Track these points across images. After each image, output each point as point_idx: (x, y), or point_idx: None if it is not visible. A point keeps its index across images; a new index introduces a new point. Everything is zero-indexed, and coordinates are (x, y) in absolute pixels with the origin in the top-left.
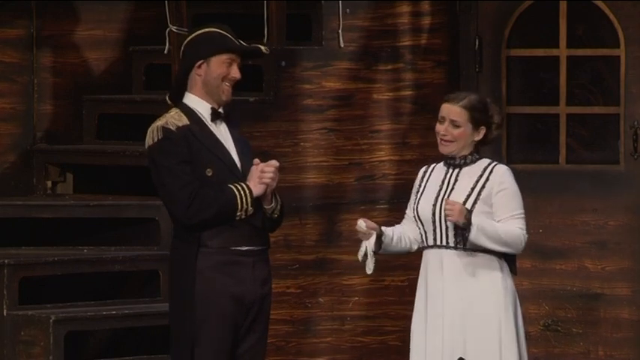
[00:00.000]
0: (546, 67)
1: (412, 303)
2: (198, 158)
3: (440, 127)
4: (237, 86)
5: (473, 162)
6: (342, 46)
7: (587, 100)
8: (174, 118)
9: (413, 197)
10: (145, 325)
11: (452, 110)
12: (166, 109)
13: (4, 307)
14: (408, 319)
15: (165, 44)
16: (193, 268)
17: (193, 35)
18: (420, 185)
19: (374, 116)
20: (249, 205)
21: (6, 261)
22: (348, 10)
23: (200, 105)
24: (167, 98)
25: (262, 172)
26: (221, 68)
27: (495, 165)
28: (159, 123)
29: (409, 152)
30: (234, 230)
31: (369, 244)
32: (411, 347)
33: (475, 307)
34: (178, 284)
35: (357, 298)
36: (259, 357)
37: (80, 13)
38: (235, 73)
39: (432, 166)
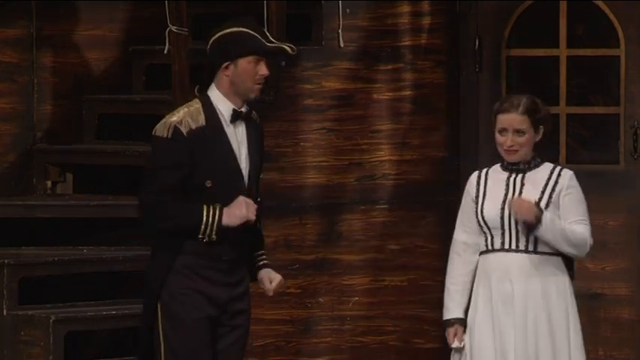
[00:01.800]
0: (546, 67)
1: (412, 303)
2: (201, 166)
3: (503, 139)
4: None
5: (536, 166)
6: (342, 46)
7: (587, 100)
8: (191, 116)
9: (471, 204)
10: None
11: (514, 120)
12: (169, 109)
13: (4, 307)
14: (408, 319)
15: (165, 44)
16: (168, 267)
17: (221, 33)
18: (477, 191)
19: (374, 116)
20: (214, 232)
21: (6, 261)
22: (348, 10)
23: (223, 104)
24: (195, 91)
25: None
26: (249, 68)
27: (562, 169)
28: (174, 119)
29: (409, 152)
30: (214, 244)
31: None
32: (472, 351)
33: (544, 310)
34: (150, 282)
35: (357, 298)
36: (236, 357)
37: (80, 13)
38: (263, 70)
39: (484, 171)
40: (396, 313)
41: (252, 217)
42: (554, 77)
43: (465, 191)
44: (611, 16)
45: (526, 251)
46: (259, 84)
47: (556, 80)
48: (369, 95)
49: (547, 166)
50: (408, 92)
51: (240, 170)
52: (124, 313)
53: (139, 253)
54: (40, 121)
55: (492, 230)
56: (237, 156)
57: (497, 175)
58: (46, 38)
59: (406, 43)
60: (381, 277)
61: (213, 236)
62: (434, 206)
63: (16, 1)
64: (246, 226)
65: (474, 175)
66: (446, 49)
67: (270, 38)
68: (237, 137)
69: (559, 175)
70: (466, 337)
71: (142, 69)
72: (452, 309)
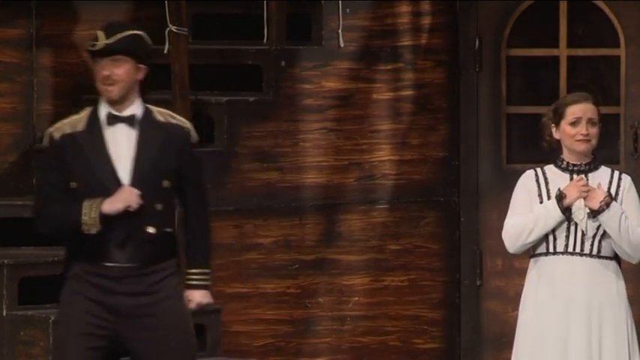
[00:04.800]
0: (546, 67)
1: (412, 303)
2: (69, 169)
3: (578, 129)
4: (236, 86)
5: (596, 168)
6: (342, 46)
7: None
8: (70, 123)
9: (532, 199)
10: None
11: (588, 109)
12: (169, 108)
13: (4, 307)
14: (407, 319)
15: (165, 44)
16: (65, 274)
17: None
18: (539, 189)
19: (374, 116)
20: (95, 221)
21: (6, 261)
22: (348, 10)
23: (103, 109)
24: None
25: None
26: (95, 70)
27: (621, 173)
28: (53, 127)
29: (409, 152)
30: (99, 246)
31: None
32: (532, 352)
33: (607, 312)
34: (59, 291)
35: (357, 298)
36: None
37: (80, 13)
38: (102, 71)
39: (539, 171)
40: (396, 313)
41: (134, 204)
42: (554, 77)
43: (522, 186)
44: (611, 16)
45: (590, 255)
46: (105, 85)
47: (556, 80)
48: (369, 95)
49: (605, 170)
50: (408, 92)
51: (114, 173)
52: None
53: None
54: (40, 121)
55: (556, 232)
56: (113, 159)
57: (557, 176)
58: (46, 38)
59: (406, 43)
60: (381, 277)
61: (98, 226)
62: (434, 206)
63: (16, 1)
64: (140, 233)
65: (531, 173)
66: (446, 49)
67: (105, 40)
68: (118, 141)
69: (620, 178)
70: (525, 335)
71: None
72: (547, 203)
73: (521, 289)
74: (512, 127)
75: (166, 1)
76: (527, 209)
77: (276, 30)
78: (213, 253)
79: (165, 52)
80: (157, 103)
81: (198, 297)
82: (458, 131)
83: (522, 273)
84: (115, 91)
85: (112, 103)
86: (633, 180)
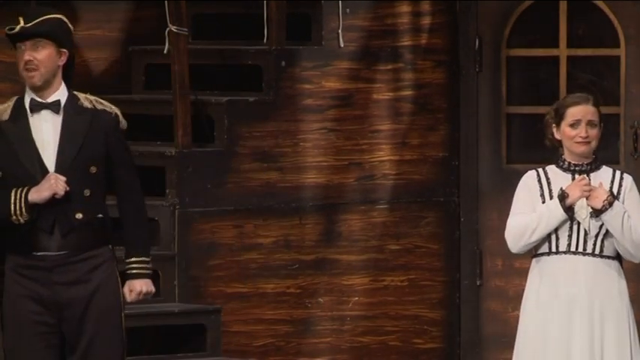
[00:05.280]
0: (546, 67)
1: (412, 303)
2: None
3: (577, 131)
4: (236, 86)
5: (597, 168)
6: (342, 46)
7: None
8: None
9: (533, 199)
10: (145, 325)
11: (588, 111)
12: (169, 108)
13: None
14: (407, 319)
15: (165, 44)
16: (3, 267)
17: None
18: (541, 189)
19: (374, 116)
20: (23, 210)
21: None
22: (348, 10)
23: (27, 96)
24: None
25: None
26: (18, 56)
27: (622, 172)
28: None
29: (409, 152)
30: (28, 235)
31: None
32: (535, 353)
33: (608, 311)
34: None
35: (357, 298)
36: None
37: (80, 13)
38: (23, 56)
39: (541, 171)
40: (396, 313)
41: (61, 191)
42: (554, 77)
43: (524, 186)
44: (611, 16)
45: (592, 254)
46: (27, 71)
47: (556, 80)
48: (369, 95)
49: (607, 169)
50: (408, 92)
51: (40, 160)
52: (125, 313)
53: None
54: None
55: (559, 231)
56: (38, 147)
57: (558, 176)
58: None
59: (406, 43)
60: (381, 277)
61: (25, 214)
62: (434, 206)
63: (16, 1)
64: (68, 219)
65: (533, 173)
66: (446, 49)
67: (23, 24)
68: (43, 128)
69: (621, 178)
70: (526, 335)
71: (141, 69)
72: (550, 202)
73: (522, 289)
74: (512, 127)
75: (166, 1)
76: (530, 209)
77: (276, 30)
78: (150, 243)
79: (165, 52)
80: (157, 103)
81: (138, 286)
82: (458, 131)
83: (522, 273)
84: (36, 76)
85: (36, 89)
86: (634, 180)
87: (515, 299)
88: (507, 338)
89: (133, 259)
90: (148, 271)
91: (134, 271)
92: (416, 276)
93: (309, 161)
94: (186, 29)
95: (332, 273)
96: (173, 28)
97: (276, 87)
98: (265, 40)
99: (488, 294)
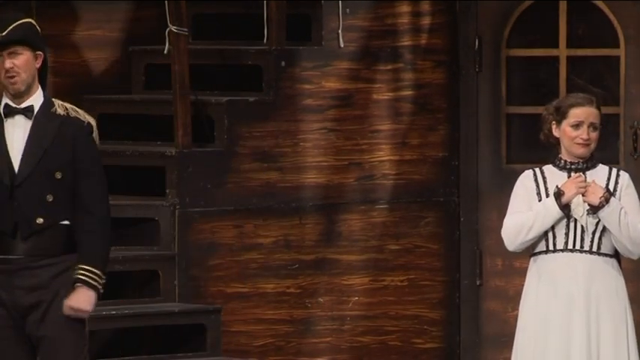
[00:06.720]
0: (546, 67)
1: (412, 303)
2: None
3: (579, 132)
4: (236, 86)
5: (593, 166)
6: (342, 46)
7: None
8: None
9: (530, 197)
10: (145, 325)
11: (591, 113)
12: (169, 108)
13: None
14: (407, 318)
15: (165, 44)
16: None
17: None
18: (537, 188)
19: (374, 116)
20: None
21: None
22: (348, 10)
23: (3, 100)
24: None
25: None
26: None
27: (619, 170)
28: None
29: (409, 152)
30: None
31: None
32: (535, 350)
33: (604, 307)
34: None
35: (357, 298)
36: None
37: (80, 13)
38: (4, 65)
39: (537, 170)
40: (396, 313)
41: None
42: (554, 77)
43: (520, 185)
44: (611, 16)
45: (590, 252)
46: (9, 78)
47: (556, 80)
48: (369, 95)
49: (603, 167)
50: (408, 92)
51: (9, 165)
52: (125, 313)
53: (139, 253)
54: None
55: (556, 229)
56: (9, 151)
57: (555, 174)
58: (46, 38)
59: (406, 43)
60: (381, 277)
61: None
62: (434, 206)
63: (16, 1)
64: (29, 224)
65: (529, 172)
66: (446, 49)
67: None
68: (15, 133)
69: (618, 175)
70: (525, 335)
71: (141, 69)
72: (546, 200)
73: (521, 289)
74: (512, 127)
75: (166, 1)
76: (527, 208)
77: (276, 30)
78: (107, 258)
79: (165, 52)
80: (157, 103)
81: (74, 302)
82: (458, 131)
83: (522, 273)
84: (19, 82)
85: (18, 95)
86: (632, 180)
87: (515, 299)
88: (507, 338)
89: (81, 266)
90: (94, 283)
91: (80, 277)
92: (416, 276)
93: (309, 161)
94: (186, 29)
95: (332, 273)
96: (173, 28)
97: (276, 87)
98: (265, 40)
99: (488, 294)
